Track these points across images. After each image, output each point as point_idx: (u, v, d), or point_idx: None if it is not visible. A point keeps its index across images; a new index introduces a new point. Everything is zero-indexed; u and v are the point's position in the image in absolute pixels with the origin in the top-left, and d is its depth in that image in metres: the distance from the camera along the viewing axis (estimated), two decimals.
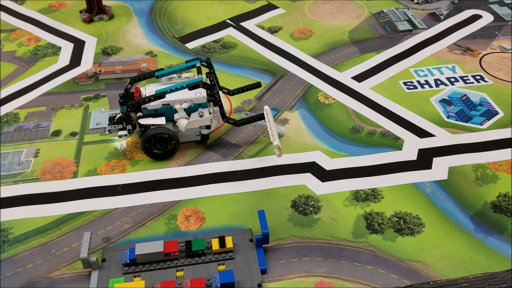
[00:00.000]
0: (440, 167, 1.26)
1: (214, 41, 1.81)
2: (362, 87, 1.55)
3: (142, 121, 1.24)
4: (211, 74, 1.34)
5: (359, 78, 1.59)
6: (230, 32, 1.86)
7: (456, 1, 2.01)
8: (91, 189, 1.22)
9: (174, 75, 1.34)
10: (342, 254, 1.06)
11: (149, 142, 1.26)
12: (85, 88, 1.56)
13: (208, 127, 1.30)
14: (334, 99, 1.51)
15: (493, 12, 1.93)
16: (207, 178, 1.24)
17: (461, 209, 1.15)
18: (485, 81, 1.56)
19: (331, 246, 1.08)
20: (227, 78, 1.61)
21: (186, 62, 1.36)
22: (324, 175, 1.25)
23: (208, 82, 1.32)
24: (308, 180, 1.24)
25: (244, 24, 1.92)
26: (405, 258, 1.05)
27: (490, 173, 1.24)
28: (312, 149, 1.33)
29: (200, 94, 1.25)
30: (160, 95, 1.23)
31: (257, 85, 1.46)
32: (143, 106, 1.25)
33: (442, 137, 1.35)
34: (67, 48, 1.75)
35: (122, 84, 1.59)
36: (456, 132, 1.37)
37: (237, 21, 1.94)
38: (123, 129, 1.28)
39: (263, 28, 1.89)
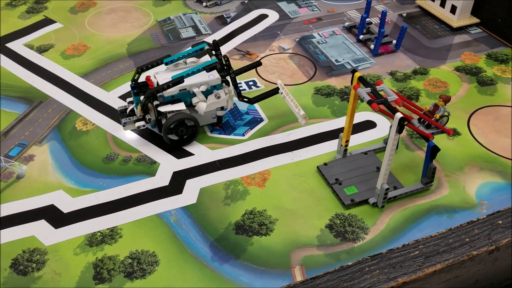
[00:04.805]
0: (191, 190, 1.18)
1: None
2: None
3: (162, 109, 1.21)
4: (219, 55, 1.28)
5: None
6: None
7: (246, 1, 1.98)
8: None
9: (180, 61, 1.32)
10: None
11: (171, 128, 1.23)
12: None
13: (223, 108, 1.29)
14: (93, 124, 1.37)
15: (280, 10, 1.93)
16: None
17: (203, 236, 1.08)
18: (257, 87, 1.52)
19: None
20: None
21: (192, 46, 1.32)
22: (60, 219, 1.11)
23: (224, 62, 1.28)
24: (39, 229, 1.08)
25: (10, 44, 1.70)
26: None
27: (241, 189, 1.18)
28: (54, 189, 1.18)
29: (214, 76, 1.26)
30: (178, 80, 1.20)
31: (258, 63, 1.38)
32: (159, 94, 1.21)
33: (201, 155, 1.28)
34: None
35: None
36: (217, 147, 1.30)
37: (3, 42, 1.71)
38: (139, 120, 1.24)
39: (32, 47, 1.68)
